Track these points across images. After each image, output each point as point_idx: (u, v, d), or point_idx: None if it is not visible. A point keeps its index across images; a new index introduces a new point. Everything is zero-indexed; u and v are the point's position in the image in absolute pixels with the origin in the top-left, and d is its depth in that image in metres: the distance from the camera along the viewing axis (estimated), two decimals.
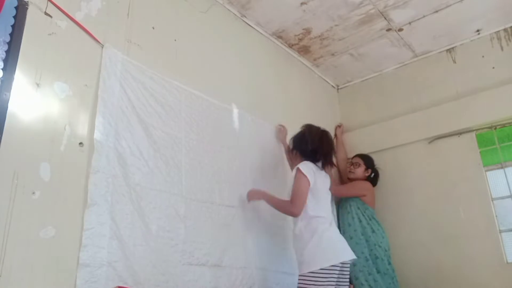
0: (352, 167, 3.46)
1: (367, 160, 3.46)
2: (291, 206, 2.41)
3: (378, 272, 3.07)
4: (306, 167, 2.48)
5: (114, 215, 1.93)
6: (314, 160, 2.58)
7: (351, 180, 3.49)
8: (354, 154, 3.68)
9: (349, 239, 3.19)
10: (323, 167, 2.61)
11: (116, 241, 1.90)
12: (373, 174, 3.45)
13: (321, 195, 2.49)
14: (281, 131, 3.11)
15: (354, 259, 2.42)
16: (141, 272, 1.97)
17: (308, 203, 2.41)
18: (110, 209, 1.92)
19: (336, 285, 2.25)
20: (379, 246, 3.13)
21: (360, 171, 3.42)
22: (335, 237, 2.40)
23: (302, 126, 2.73)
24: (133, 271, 1.94)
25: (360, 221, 3.22)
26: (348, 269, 2.38)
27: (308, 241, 2.31)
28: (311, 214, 2.39)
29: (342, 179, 3.70)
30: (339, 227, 3.39)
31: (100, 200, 1.89)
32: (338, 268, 2.26)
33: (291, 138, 2.75)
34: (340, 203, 3.45)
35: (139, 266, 1.97)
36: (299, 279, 2.29)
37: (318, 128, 2.69)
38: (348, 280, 2.37)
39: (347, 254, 2.35)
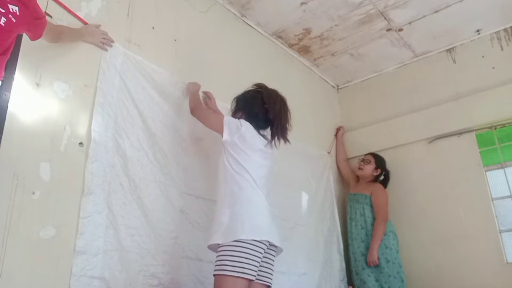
0: (362, 163, 3.42)
1: (379, 160, 3.41)
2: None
3: (389, 275, 3.03)
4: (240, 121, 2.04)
5: (111, 204, 1.94)
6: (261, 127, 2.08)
7: (359, 177, 3.48)
8: (350, 154, 3.76)
9: (360, 241, 3.19)
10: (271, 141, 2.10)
11: (113, 230, 1.91)
12: (383, 176, 3.40)
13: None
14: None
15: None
16: (139, 262, 1.98)
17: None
18: (107, 199, 1.93)
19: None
20: (390, 249, 3.09)
21: (370, 168, 3.37)
22: None
23: (255, 86, 2.18)
24: (130, 260, 1.94)
25: (372, 224, 3.17)
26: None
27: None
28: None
29: (344, 179, 3.73)
30: (347, 230, 3.37)
31: (97, 189, 1.90)
32: None
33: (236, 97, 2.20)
34: (351, 204, 3.40)
35: (138, 255, 1.98)
36: None
37: (276, 92, 2.16)
38: None
39: None
